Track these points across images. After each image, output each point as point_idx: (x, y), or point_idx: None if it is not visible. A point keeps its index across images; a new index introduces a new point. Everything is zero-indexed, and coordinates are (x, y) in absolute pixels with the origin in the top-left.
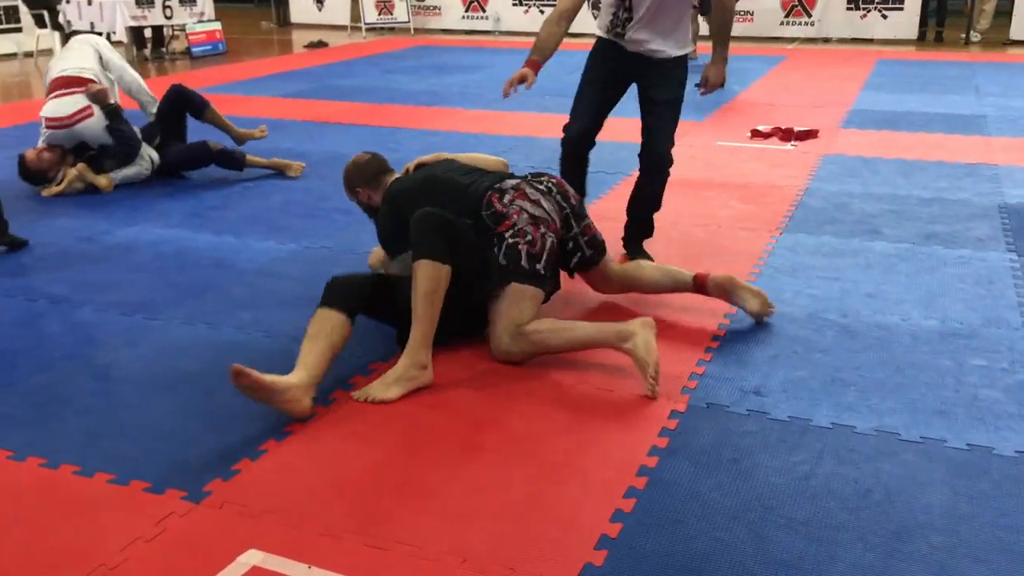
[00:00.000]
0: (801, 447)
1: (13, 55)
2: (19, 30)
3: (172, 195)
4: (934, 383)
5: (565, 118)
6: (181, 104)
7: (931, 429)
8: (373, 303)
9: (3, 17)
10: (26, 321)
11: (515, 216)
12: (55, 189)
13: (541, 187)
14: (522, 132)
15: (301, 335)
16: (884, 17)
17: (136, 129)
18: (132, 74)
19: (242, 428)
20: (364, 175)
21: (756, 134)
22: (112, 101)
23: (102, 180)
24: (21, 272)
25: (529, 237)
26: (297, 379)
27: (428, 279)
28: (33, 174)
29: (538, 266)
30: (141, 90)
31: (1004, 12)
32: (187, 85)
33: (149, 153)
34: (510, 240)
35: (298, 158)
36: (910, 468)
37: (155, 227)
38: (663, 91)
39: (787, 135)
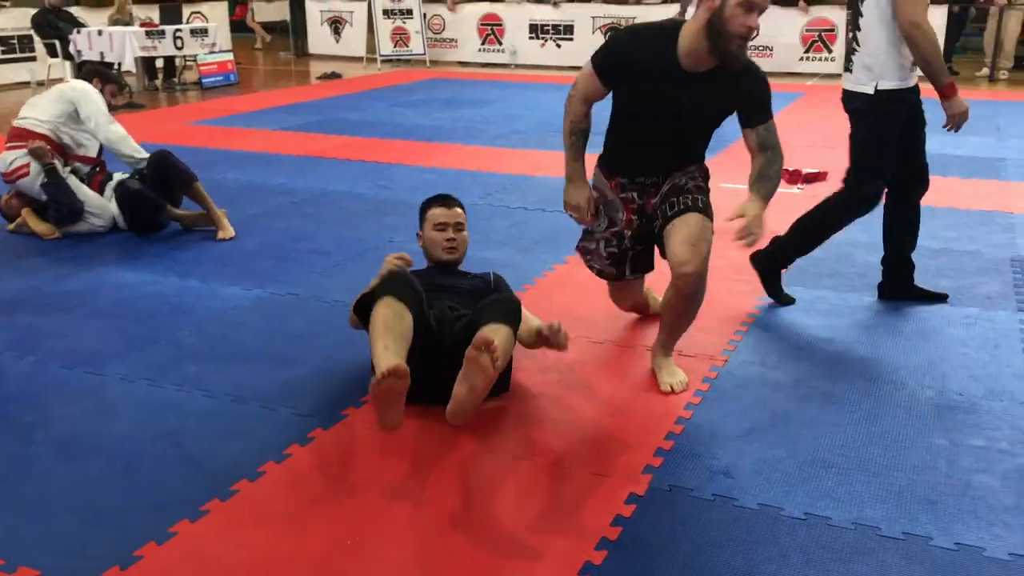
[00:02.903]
0: (768, 542)
1: (27, 84)
2: (33, 59)
3: (145, 234)
4: (924, 466)
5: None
6: (164, 172)
7: (916, 523)
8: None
9: (17, 46)
10: None
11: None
12: (10, 227)
13: None
14: (518, 171)
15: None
16: None
17: (85, 188)
18: (114, 132)
19: (154, 505)
20: None
21: None
22: (50, 161)
23: (43, 227)
24: None
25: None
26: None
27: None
28: (9, 218)
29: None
30: (124, 149)
31: None
32: (196, 117)
33: (111, 210)
34: None
35: (286, 194)
36: (887, 571)
37: (120, 269)
38: None
39: (795, 177)
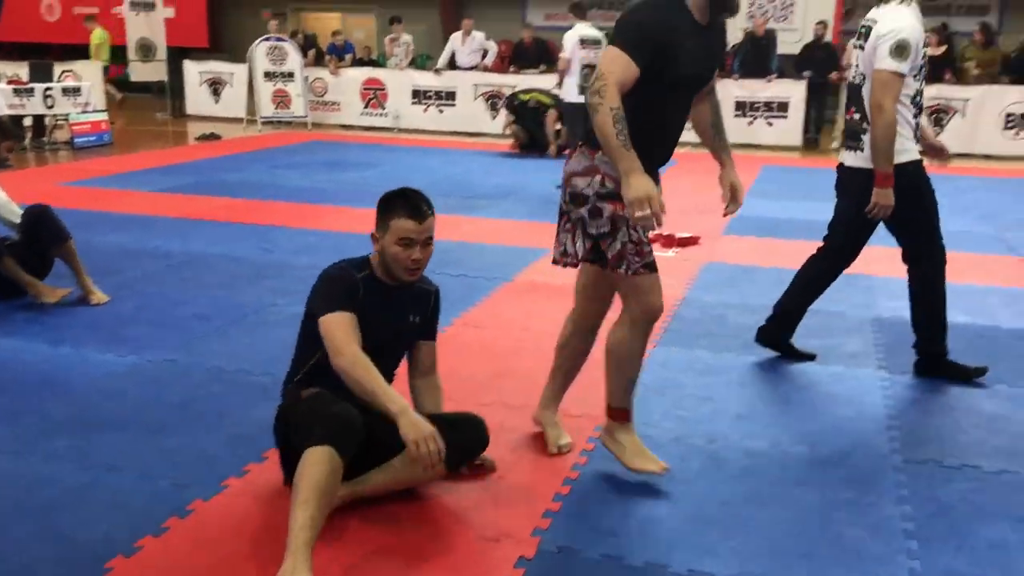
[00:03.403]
0: None
1: None
2: None
3: (16, 295)
4: (799, 519)
5: (458, 218)
6: (39, 227)
7: (792, 575)
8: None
9: None
10: None
11: None
12: None
13: None
14: None
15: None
16: (770, 125)
17: None
18: None
19: None
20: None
21: None
22: None
23: None
24: None
25: None
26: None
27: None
28: None
29: None
30: (4, 214)
31: None
32: (68, 178)
33: None
34: None
35: (163, 257)
36: None
37: None
38: None
39: (669, 241)
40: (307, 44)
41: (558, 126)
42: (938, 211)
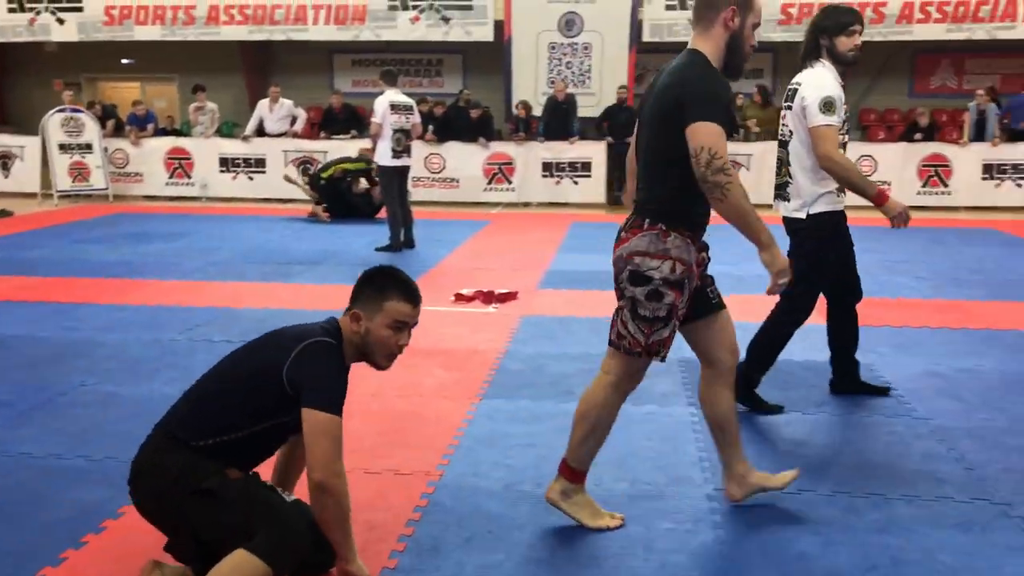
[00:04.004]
0: None
1: None
2: None
3: None
4: (625, 552)
5: (274, 285)
6: None
7: None
8: None
9: None
10: None
11: None
12: None
13: None
14: (219, 303)
15: None
16: (576, 183)
17: None
18: None
19: None
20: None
21: (460, 298)
22: None
23: None
24: None
25: None
26: None
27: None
28: None
29: None
30: None
31: None
32: None
33: None
34: None
35: None
36: None
37: None
38: None
39: (488, 298)
40: (105, 114)
41: (364, 186)
42: (851, 261)
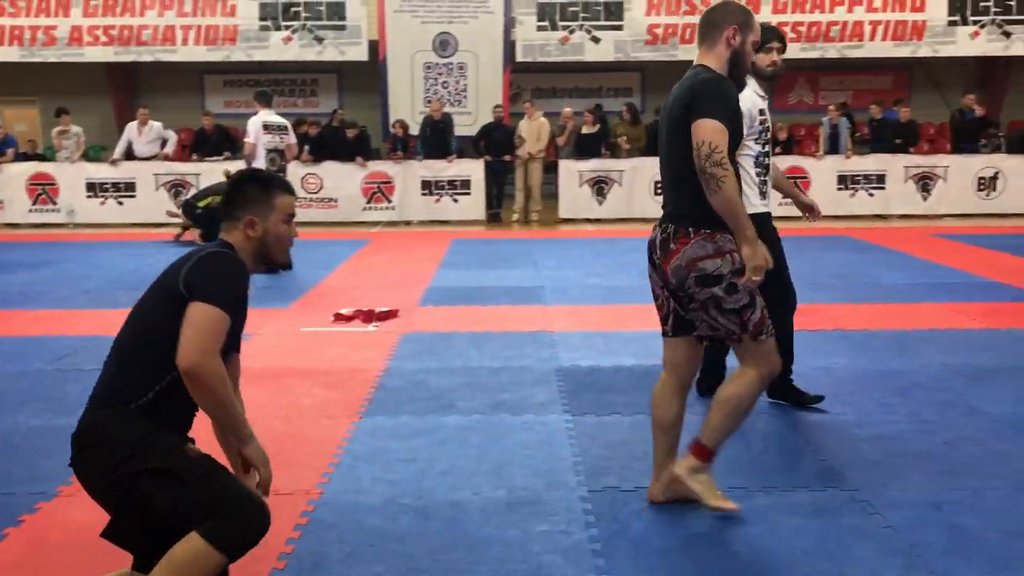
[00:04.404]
0: None
1: None
2: None
3: None
4: (502, 556)
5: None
6: None
7: None
8: None
9: None
10: None
11: None
12: None
13: None
14: (91, 332)
15: None
16: (455, 201)
17: None
18: None
19: None
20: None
21: (339, 317)
22: None
23: None
24: None
25: None
26: None
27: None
28: None
29: None
30: None
31: (553, 195)
32: None
33: None
34: None
35: None
36: None
37: None
38: None
39: (368, 316)
40: None
41: None
42: (780, 266)
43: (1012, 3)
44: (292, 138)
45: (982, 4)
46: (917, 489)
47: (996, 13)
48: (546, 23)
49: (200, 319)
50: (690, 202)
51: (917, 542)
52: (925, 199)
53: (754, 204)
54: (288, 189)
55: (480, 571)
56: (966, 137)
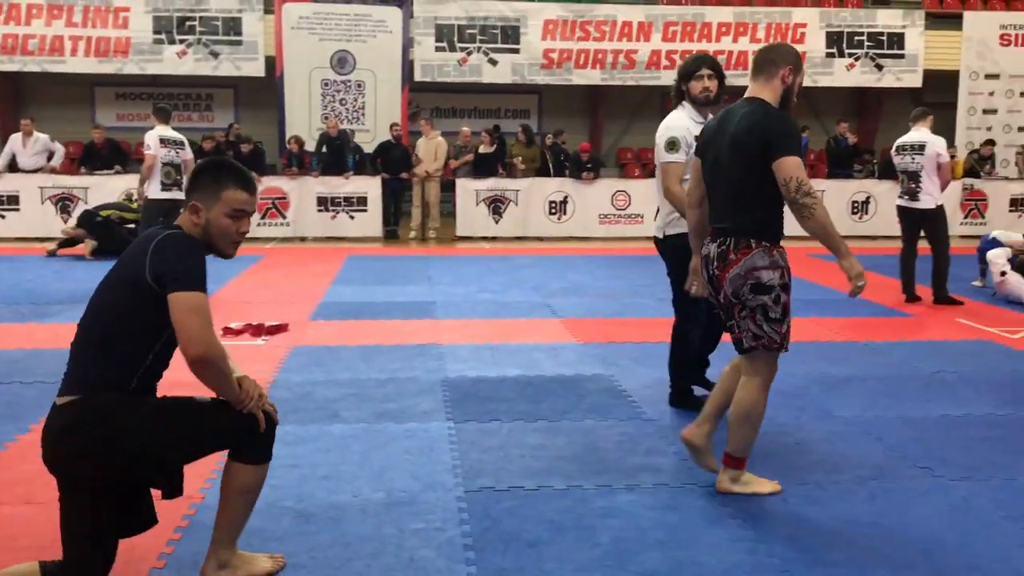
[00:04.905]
0: None
1: None
2: None
3: None
4: (377, 552)
5: (30, 326)
6: None
7: None
8: None
9: None
10: None
11: None
12: None
13: None
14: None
15: None
16: (352, 218)
17: None
18: None
19: None
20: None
21: (228, 331)
22: None
23: None
24: None
25: None
26: None
27: None
28: None
29: None
30: None
31: (451, 213)
32: None
33: None
34: None
35: None
36: None
37: None
38: None
39: (258, 330)
40: None
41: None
42: None
43: (883, 39)
44: (188, 153)
45: (856, 38)
46: None
47: (869, 47)
48: (444, 44)
49: (189, 308)
50: (751, 218)
51: (763, 530)
52: None
53: (682, 225)
54: (242, 184)
55: (355, 567)
56: (840, 163)
